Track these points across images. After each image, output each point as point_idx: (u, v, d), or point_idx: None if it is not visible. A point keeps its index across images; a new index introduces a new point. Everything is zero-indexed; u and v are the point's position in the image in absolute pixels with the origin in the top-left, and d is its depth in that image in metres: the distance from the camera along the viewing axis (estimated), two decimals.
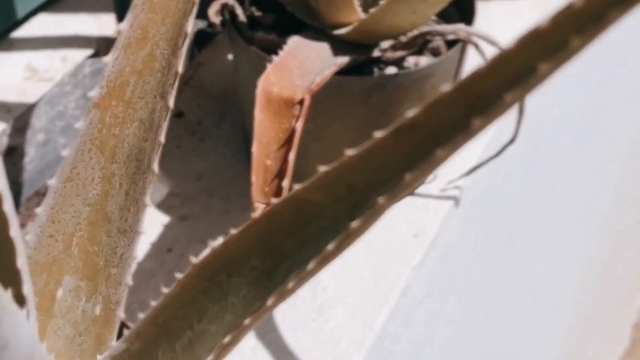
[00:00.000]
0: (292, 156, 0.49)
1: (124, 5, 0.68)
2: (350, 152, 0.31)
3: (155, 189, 0.69)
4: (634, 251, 2.05)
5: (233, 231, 0.37)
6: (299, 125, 0.50)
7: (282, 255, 0.35)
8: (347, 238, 0.33)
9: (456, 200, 0.70)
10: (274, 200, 0.35)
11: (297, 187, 0.34)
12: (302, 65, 0.56)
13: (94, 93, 0.43)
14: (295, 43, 0.60)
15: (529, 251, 1.12)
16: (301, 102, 0.51)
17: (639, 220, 1.96)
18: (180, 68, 0.42)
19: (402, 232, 0.68)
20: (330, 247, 0.33)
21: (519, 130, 0.67)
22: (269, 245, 0.36)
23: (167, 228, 0.67)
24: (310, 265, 0.34)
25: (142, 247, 0.65)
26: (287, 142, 0.50)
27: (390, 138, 0.30)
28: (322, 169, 0.33)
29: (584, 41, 0.24)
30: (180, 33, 0.42)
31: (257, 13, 0.72)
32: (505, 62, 0.27)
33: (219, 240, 0.38)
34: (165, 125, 0.42)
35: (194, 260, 0.38)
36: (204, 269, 0.38)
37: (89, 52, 0.71)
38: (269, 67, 0.53)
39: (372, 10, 0.62)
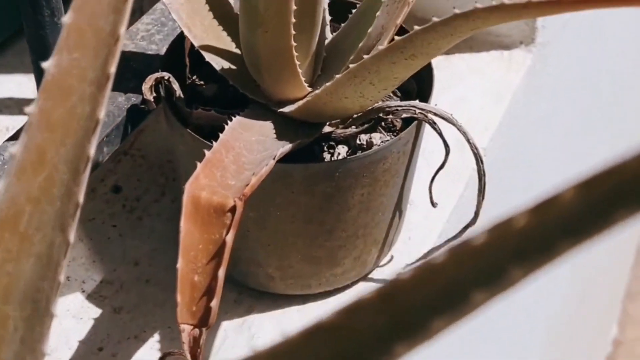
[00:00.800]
0: (221, 272, 0.44)
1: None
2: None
3: (87, 277, 0.64)
4: (608, 282, 2.02)
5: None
6: (229, 238, 0.44)
7: None
8: None
9: None
10: None
11: None
12: (238, 159, 0.51)
13: None
14: (234, 128, 0.55)
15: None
16: (233, 210, 0.45)
17: (609, 250, 1.93)
18: (81, 197, 0.37)
19: None
20: None
21: (479, 213, 0.62)
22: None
23: (98, 322, 0.61)
24: None
25: (70, 345, 0.59)
26: (217, 256, 0.45)
27: (303, 340, 0.25)
28: None
29: (526, 273, 0.19)
30: (82, 156, 0.37)
31: (199, 82, 0.67)
32: (433, 278, 0.22)
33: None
34: (64, 263, 0.37)
35: None
36: None
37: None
38: (199, 166, 0.48)
39: (317, 90, 0.57)
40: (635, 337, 2.20)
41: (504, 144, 0.81)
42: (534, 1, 0.42)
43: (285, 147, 0.53)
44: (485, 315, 0.79)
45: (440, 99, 0.79)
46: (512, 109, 0.82)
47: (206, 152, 0.49)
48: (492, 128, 0.77)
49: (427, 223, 0.69)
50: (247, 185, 0.47)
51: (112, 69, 0.37)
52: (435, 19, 0.47)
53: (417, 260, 0.65)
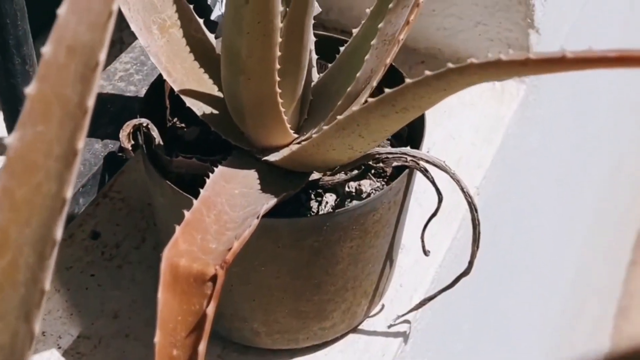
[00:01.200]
0: (202, 347, 0.41)
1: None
2: None
3: (64, 332, 0.61)
4: (600, 298, 2.00)
5: None
6: (210, 310, 0.42)
7: None
8: None
9: (405, 336, 0.62)
10: None
11: None
12: (220, 217, 0.48)
13: None
14: (215, 181, 0.52)
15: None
16: (214, 279, 0.43)
17: (601, 266, 1.91)
18: (48, 283, 0.34)
19: None
20: None
21: (474, 262, 0.59)
22: None
23: None
24: None
25: None
26: (197, 328, 0.42)
27: None
28: None
29: None
30: (49, 238, 0.34)
31: (180, 125, 0.64)
32: None
33: None
34: (30, 355, 0.34)
35: None
36: None
37: None
38: (178, 230, 0.45)
39: (304, 141, 0.54)
40: None
41: (497, 181, 0.79)
42: (533, 58, 0.39)
43: (270, 202, 0.51)
44: (482, 336, 0.76)
45: (431, 135, 0.76)
46: (504, 144, 0.79)
47: (185, 212, 0.46)
48: (485, 166, 0.75)
49: (419, 268, 0.67)
50: (229, 249, 0.44)
51: (80, 144, 0.34)
52: (427, 73, 0.44)
53: (410, 311, 0.63)
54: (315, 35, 0.62)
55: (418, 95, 0.45)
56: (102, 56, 0.34)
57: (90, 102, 0.34)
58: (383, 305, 0.64)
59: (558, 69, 0.39)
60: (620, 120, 1.56)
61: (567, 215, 1.32)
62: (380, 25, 0.54)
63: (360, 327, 0.62)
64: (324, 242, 0.54)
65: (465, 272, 0.60)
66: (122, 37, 0.84)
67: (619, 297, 2.21)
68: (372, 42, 0.55)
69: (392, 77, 0.62)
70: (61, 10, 0.34)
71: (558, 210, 1.22)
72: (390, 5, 0.54)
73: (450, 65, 0.43)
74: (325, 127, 0.51)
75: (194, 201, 0.48)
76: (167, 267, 0.43)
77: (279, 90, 0.53)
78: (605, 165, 1.53)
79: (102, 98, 0.64)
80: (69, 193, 0.34)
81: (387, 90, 0.46)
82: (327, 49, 0.63)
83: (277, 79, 0.52)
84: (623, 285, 2.23)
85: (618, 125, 1.56)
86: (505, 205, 0.87)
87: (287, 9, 0.53)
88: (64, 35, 0.35)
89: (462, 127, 0.78)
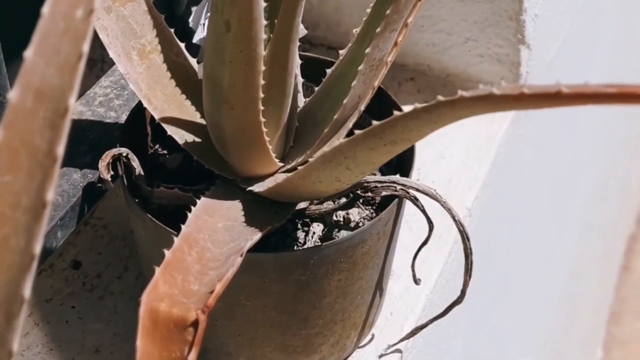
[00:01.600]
0: None
1: None
2: None
3: None
4: (592, 304, 1.99)
5: None
6: (192, 357, 0.40)
7: None
8: None
9: None
10: None
11: None
12: (202, 255, 0.46)
13: None
14: (198, 215, 0.50)
15: None
16: (195, 324, 0.41)
17: (593, 271, 1.90)
18: (15, 345, 0.32)
19: None
20: None
21: (466, 291, 0.58)
22: None
23: None
24: None
25: None
26: None
27: None
28: None
29: None
30: (16, 296, 0.32)
31: (162, 151, 0.62)
32: None
33: None
34: None
35: None
36: None
37: None
38: (158, 271, 0.43)
39: (289, 173, 0.52)
40: (620, 359, 2.18)
41: (488, 201, 0.77)
42: (527, 93, 0.37)
43: (255, 237, 0.49)
44: (478, 338, 0.74)
45: (420, 155, 0.74)
46: (496, 163, 0.77)
47: (166, 252, 0.44)
48: (476, 187, 0.73)
49: (410, 295, 0.65)
50: (211, 292, 0.42)
51: (50, 195, 0.32)
52: (417, 105, 0.42)
53: (401, 341, 0.61)
54: (301, 57, 0.60)
55: (407, 128, 0.44)
56: (72, 101, 0.32)
57: (60, 150, 0.32)
58: (373, 335, 0.62)
59: (553, 105, 0.37)
60: (611, 127, 1.55)
61: (558, 225, 1.30)
62: (367, 51, 0.52)
63: (349, 358, 0.60)
64: (311, 275, 0.52)
65: (458, 301, 0.58)
66: (104, 55, 0.82)
67: (610, 302, 2.20)
68: (360, 68, 0.53)
69: (380, 98, 0.60)
70: (28, 53, 0.32)
71: (550, 220, 1.20)
72: (378, 30, 0.52)
73: (440, 98, 0.41)
74: (311, 159, 0.49)
75: (175, 239, 0.46)
76: (146, 313, 0.41)
77: (263, 120, 0.51)
78: (595, 172, 1.51)
79: (81, 124, 0.62)
80: (38, 247, 0.32)
81: (374, 122, 0.44)
82: (313, 70, 0.61)
83: (261, 107, 0.51)
84: (615, 290, 2.22)
85: (609, 133, 1.54)
86: (497, 223, 0.86)
87: (271, 35, 0.52)
88: (31, 79, 0.33)
89: (453, 147, 0.77)
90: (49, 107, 0.33)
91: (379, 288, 0.59)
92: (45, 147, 0.33)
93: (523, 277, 1.12)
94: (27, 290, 0.32)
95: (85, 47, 0.32)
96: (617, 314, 2.23)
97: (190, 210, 0.50)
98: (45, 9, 0.32)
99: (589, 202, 1.50)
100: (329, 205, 0.56)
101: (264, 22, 0.47)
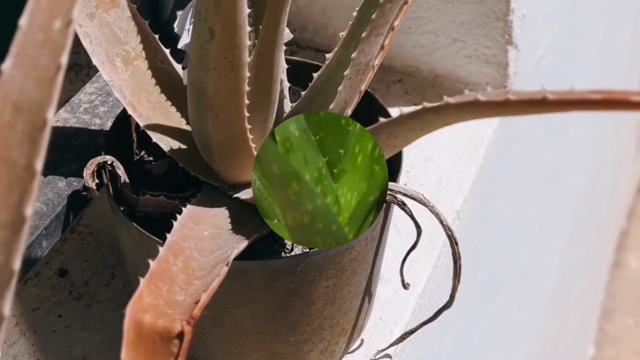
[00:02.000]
0: None
1: None
2: None
3: None
4: (583, 300, 1.99)
5: None
6: None
7: None
8: None
9: None
10: None
11: None
12: (188, 264, 0.46)
13: None
14: (183, 224, 0.49)
15: None
16: (181, 336, 0.40)
17: (584, 267, 1.90)
18: None
19: None
20: None
21: (455, 295, 0.57)
22: None
23: None
24: None
25: None
26: None
27: None
28: None
29: None
30: None
31: (148, 158, 0.61)
32: None
33: None
34: None
35: None
36: None
37: None
38: (142, 282, 0.42)
39: None
40: (612, 356, 2.18)
41: (477, 203, 0.77)
42: (512, 99, 0.37)
43: (241, 245, 0.48)
44: (469, 340, 0.74)
45: (408, 158, 0.74)
46: (485, 164, 0.77)
47: (151, 262, 0.44)
48: (465, 189, 0.73)
49: (399, 300, 0.64)
50: (197, 302, 0.42)
51: (29, 210, 0.32)
52: (404, 110, 0.42)
53: (390, 346, 0.61)
54: (288, 61, 0.60)
55: (393, 135, 0.43)
56: (51, 114, 0.31)
57: (39, 165, 0.31)
58: (362, 340, 0.61)
59: (539, 111, 0.37)
60: (599, 125, 1.55)
61: (549, 223, 1.30)
62: (353, 55, 0.52)
63: None
64: (298, 282, 0.52)
65: (447, 306, 0.58)
66: (89, 60, 0.81)
67: (602, 299, 2.20)
68: (346, 72, 0.53)
69: (368, 102, 0.60)
70: (5, 66, 0.31)
71: (540, 219, 1.20)
72: (364, 34, 0.51)
73: (425, 104, 0.41)
74: None
75: (160, 248, 0.46)
76: (131, 324, 0.40)
77: (248, 126, 0.51)
78: (585, 170, 1.51)
79: (65, 132, 0.61)
80: (17, 263, 0.31)
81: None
82: (299, 74, 0.60)
83: (247, 114, 0.50)
84: (606, 287, 2.22)
85: (598, 130, 1.54)
86: (486, 225, 0.85)
87: (256, 41, 0.51)
88: (9, 92, 0.32)
89: (442, 149, 0.76)
90: (27, 120, 0.32)
91: (368, 293, 0.58)
92: (23, 162, 0.32)
93: (514, 276, 1.12)
94: (6, 308, 0.32)
95: (64, 59, 0.32)
96: (609, 310, 2.23)
97: (176, 219, 0.50)
98: (23, 21, 0.31)
99: (579, 200, 1.50)
100: None
101: (249, 28, 0.47)
